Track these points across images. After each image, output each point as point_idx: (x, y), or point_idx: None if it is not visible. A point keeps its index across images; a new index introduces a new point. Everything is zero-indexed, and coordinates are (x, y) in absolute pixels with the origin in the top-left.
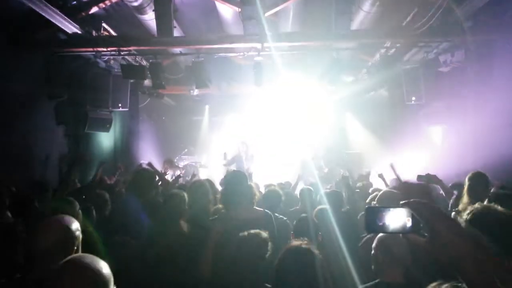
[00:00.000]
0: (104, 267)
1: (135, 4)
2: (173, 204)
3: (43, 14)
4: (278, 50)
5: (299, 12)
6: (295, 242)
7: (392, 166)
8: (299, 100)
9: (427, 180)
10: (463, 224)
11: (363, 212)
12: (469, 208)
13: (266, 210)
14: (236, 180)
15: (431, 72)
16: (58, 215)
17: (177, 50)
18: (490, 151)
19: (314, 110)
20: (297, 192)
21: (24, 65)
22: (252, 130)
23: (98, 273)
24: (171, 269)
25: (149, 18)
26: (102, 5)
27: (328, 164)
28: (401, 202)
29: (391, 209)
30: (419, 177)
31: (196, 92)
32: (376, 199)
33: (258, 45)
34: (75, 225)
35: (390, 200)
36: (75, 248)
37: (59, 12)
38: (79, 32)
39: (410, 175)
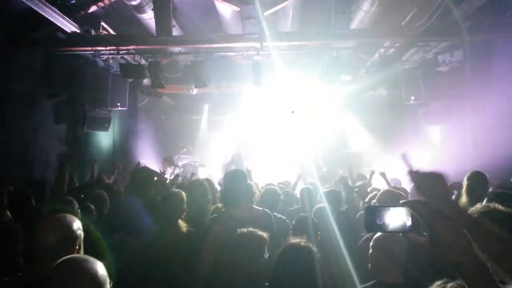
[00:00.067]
0: (100, 268)
1: (134, 3)
2: (172, 203)
3: (42, 13)
4: (277, 49)
5: (299, 12)
6: (294, 240)
7: (404, 157)
8: (298, 99)
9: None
10: (477, 217)
11: (361, 212)
12: (472, 208)
13: (265, 210)
14: (235, 179)
15: (430, 71)
16: (60, 214)
17: (176, 49)
18: (489, 150)
19: (313, 109)
20: (297, 192)
21: (23, 64)
22: (251, 130)
23: (92, 274)
24: (170, 269)
25: (148, 17)
26: (101, 4)
27: (328, 163)
28: (400, 202)
29: (391, 208)
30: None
31: (195, 91)
32: (376, 198)
33: (257, 45)
34: (77, 224)
35: (390, 199)
36: (77, 247)
37: (58, 11)
38: (78, 31)
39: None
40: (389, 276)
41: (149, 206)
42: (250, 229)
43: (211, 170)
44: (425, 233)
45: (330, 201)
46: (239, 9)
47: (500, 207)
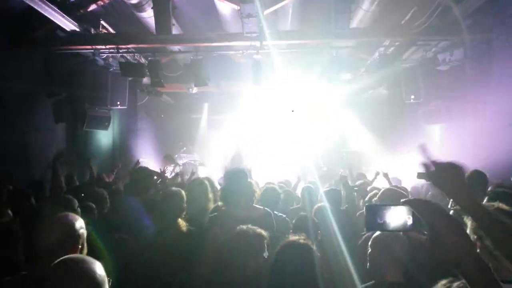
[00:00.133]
0: (98, 268)
1: (134, 1)
2: (172, 202)
3: (42, 11)
4: (277, 48)
5: (298, 10)
6: (293, 237)
7: (422, 148)
8: (298, 98)
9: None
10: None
11: (361, 211)
12: None
13: (265, 208)
14: (236, 178)
15: (430, 70)
16: (62, 213)
17: (175, 48)
18: (489, 150)
19: (313, 108)
20: (298, 191)
21: (23, 63)
22: (251, 129)
23: (90, 275)
24: (169, 268)
25: (148, 15)
26: (100, 2)
27: (327, 163)
28: (401, 200)
29: (392, 207)
30: (419, 174)
31: (195, 90)
32: (377, 197)
33: (257, 43)
34: (79, 223)
35: (391, 198)
36: (79, 246)
37: (57, 10)
38: (77, 30)
39: (409, 175)
40: (390, 275)
41: (148, 205)
42: (250, 226)
43: (211, 169)
44: (425, 232)
45: (330, 200)
46: (238, 7)
47: (504, 206)
